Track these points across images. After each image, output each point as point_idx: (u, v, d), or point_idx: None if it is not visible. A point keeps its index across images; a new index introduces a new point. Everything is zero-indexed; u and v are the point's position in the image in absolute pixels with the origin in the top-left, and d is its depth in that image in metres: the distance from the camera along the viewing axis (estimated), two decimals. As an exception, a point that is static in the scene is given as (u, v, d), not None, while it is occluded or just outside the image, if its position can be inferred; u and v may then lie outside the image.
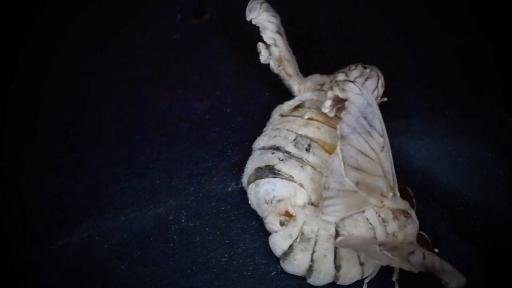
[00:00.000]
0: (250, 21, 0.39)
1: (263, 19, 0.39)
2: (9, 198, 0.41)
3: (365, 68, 0.40)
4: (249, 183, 0.38)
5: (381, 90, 0.40)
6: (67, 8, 0.49)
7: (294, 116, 0.40)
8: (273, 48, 0.39)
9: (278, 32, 0.39)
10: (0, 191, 0.41)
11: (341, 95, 0.35)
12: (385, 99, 0.41)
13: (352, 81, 0.36)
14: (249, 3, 0.40)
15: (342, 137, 0.35)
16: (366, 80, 0.39)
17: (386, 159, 0.36)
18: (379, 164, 0.36)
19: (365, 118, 0.35)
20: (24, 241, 0.39)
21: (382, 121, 0.36)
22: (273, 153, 0.38)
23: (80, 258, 0.38)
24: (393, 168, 0.37)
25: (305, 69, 0.42)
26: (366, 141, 0.36)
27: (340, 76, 0.40)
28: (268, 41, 0.39)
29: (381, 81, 0.40)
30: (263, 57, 0.40)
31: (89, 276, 0.38)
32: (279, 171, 0.37)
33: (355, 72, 0.40)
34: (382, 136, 0.36)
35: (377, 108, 0.36)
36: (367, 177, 0.36)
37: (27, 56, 0.46)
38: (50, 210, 0.40)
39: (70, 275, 0.38)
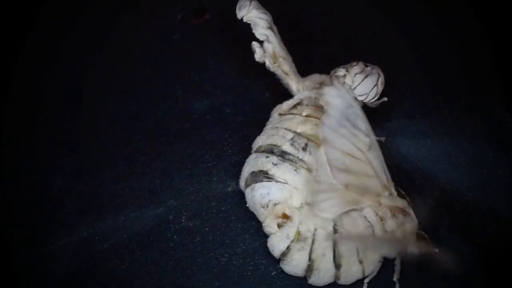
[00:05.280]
0: (241, 19, 0.39)
1: (253, 16, 0.39)
2: (9, 198, 0.41)
3: (366, 66, 0.40)
4: (246, 186, 0.38)
5: (380, 88, 0.40)
6: (67, 7, 0.49)
7: (292, 114, 0.40)
8: (266, 45, 0.39)
9: (270, 29, 0.39)
10: (0, 191, 0.41)
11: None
12: (385, 99, 0.41)
13: (329, 85, 0.36)
14: (239, 1, 0.40)
15: (325, 140, 0.35)
16: (366, 77, 0.39)
17: (375, 158, 0.36)
18: (368, 163, 0.36)
19: (347, 119, 0.35)
20: (24, 241, 0.39)
21: (365, 120, 0.36)
22: (267, 157, 0.38)
23: (80, 258, 0.38)
24: (385, 167, 0.37)
25: (305, 69, 0.42)
26: (351, 142, 0.35)
27: (341, 71, 0.40)
28: (261, 38, 0.39)
29: (381, 79, 0.40)
30: (258, 55, 0.40)
31: (89, 276, 0.38)
32: (273, 176, 0.37)
33: (356, 68, 0.40)
34: (367, 135, 0.36)
35: (360, 107, 0.36)
36: (357, 178, 0.36)
37: (27, 55, 0.46)
38: (50, 210, 0.40)
39: (70, 275, 0.38)
